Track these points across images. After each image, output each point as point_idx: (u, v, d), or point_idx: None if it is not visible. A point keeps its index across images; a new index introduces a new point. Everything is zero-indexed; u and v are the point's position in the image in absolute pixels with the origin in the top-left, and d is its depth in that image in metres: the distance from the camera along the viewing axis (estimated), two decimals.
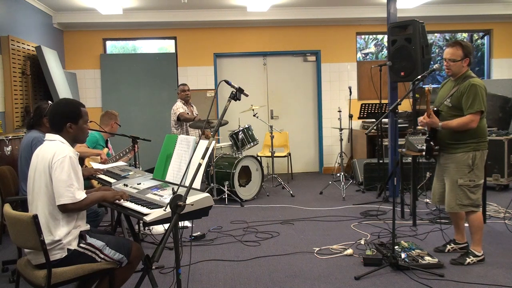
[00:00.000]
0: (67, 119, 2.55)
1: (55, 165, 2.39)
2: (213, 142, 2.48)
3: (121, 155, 4.55)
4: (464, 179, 3.47)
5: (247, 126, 6.41)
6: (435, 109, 3.58)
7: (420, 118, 3.65)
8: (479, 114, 3.38)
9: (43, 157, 2.45)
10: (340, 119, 6.51)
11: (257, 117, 6.49)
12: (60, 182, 2.38)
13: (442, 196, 3.68)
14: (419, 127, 4.93)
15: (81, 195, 2.43)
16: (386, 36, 5.99)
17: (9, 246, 4.20)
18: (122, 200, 2.62)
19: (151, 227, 4.52)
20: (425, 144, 3.67)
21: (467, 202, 3.49)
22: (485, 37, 8.57)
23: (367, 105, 7.21)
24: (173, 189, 2.25)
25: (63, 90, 6.26)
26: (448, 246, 3.80)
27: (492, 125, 6.54)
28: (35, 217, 2.24)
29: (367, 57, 9.73)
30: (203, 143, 2.67)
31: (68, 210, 2.40)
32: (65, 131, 2.56)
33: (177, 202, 2.11)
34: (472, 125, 3.39)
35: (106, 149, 4.59)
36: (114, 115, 4.79)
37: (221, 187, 5.94)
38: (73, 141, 2.63)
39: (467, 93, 3.39)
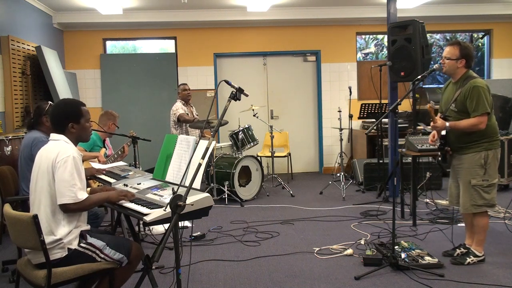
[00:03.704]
0: (68, 119, 2.56)
1: (58, 165, 2.40)
2: (213, 142, 2.48)
3: (115, 156, 4.55)
4: (477, 179, 3.45)
5: (247, 126, 6.41)
6: (442, 116, 3.58)
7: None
8: (485, 115, 3.37)
9: (46, 157, 2.46)
10: (340, 119, 6.51)
11: (257, 117, 6.49)
12: (62, 181, 2.38)
13: (459, 197, 3.63)
14: (419, 127, 4.94)
15: (83, 195, 2.43)
16: (386, 36, 5.99)
17: (9, 246, 4.20)
18: (127, 200, 2.60)
19: (151, 227, 4.52)
20: (440, 153, 3.64)
21: (481, 202, 3.46)
22: (485, 37, 8.56)
23: (367, 105, 7.21)
24: (173, 189, 2.25)
25: (63, 90, 6.25)
26: (457, 250, 3.72)
27: None
28: (35, 217, 2.24)
29: (367, 57, 9.72)
30: (203, 143, 2.67)
31: (69, 210, 2.41)
32: (68, 132, 2.58)
33: (177, 202, 2.11)
34: (481, 126, 3.38)
35: (103, 150, 4.58)
36: (113, 116, 4.77)
37: (221, 187, 5.94)
38: (76, 141, 2.64)
39: (470, 96, 3.38)
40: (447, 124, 3.46)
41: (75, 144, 2.62)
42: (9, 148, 4.61)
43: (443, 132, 3.56)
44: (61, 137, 2.55)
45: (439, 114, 3.61)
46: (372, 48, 10.55)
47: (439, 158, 3.69)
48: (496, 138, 3.50)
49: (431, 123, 3.52)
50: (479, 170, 3.45)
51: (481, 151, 3.45)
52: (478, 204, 3.47)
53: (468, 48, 3.50)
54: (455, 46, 3.50)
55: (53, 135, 2.58)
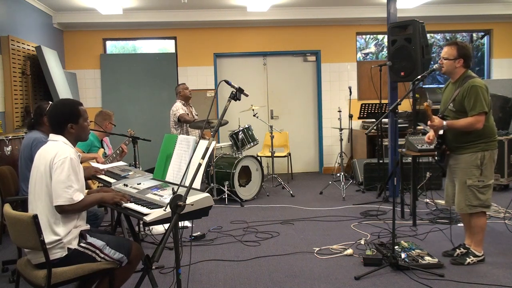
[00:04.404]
0: (67, 120, 2.56)
1: (55, 166, 2.40)
2: (213, 142, 2.48)
3: (114, 156, 4.54)
4: (472, 179, 3.45)
5: (247, 126, 6.41)
6: (440, 115, 3.58)
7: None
8: (482, 115, 3.38)
9: (44, 157, 2.47)
10: (340, 119, 6.51)
11: (257, 117, 6.49)
12: (58, 183, 2.38)
13: (455, 197, 3.64)
14: (419, 127, 4.95)
15: (78, 196, 2.43)
16: (386, 36, 5.99)
17: (9, 246, 4.20)
18: (122, 202, 2.60)
19: (151, 227, 4.52)
20: (436, 152, 3.65)
21: (476, 203, 3.46)
22: (485, 37, 8.56)
23: (367, 105, 7.21)
24: (173, 189, 2.25)
25: (63, 90, 6.25)
26: (457, 250, 3.71)
27: None
28: (35, 217, 2.24)
29: (367, 57, 9.72)
30: (203, 143, 2.67)
31: (64, 211, 2.41)
32: (67, 132, 2.58)
33: (177, 202, 2.11)
34: (478, 125, 3.38)
35: (101, 150, 4.58)
36: (108, 115, 4.76)
37: (221, 187, 5.94)
38: (76, 141, 2.65)
39: (468, 95, 3.39)
40: (445, 123, 3.46)
41: (74, 144, 2.63)
42: (9, 148, 4.61)
43: (441, 132, 3.56)
44: (60, 137, 2.56)
45: (438, 114, 3.62)
46: (372, 48, 10.54)
47: (436, 158, 3.69)
48: (494, 139, 3.50)
49: (428, 122, 3.53)
50: (475, 171, 3.45)
51: (477, 151, 3.45)
52: (473, 205, 3.47)
53: (465, 47, 3.50)
54: (452, 46, 3.51)
55: (51, 136, 2.59)
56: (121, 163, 4.10)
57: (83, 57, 7.66)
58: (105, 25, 7.52)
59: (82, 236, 2.51)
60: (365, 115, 7.28)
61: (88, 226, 2.61)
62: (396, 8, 5.78)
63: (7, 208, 2.47)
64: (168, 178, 3.01)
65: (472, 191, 3.46)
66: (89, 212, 3.18)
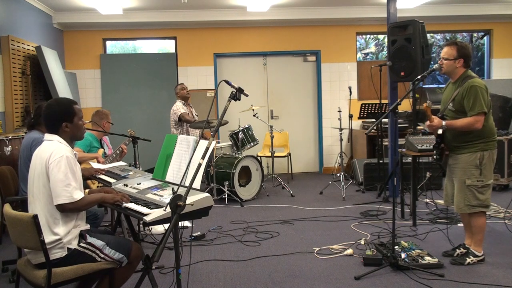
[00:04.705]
0: (61, 119, 2.56)
1: (52, 165, 2.40)
2: (213, 142, 2.48)
3: (114, 156, 4.54)
4: (472, 179, 3.45)
5: (247, 126, 6.41)
6: (439, 115, 3.58)
7: (426, 123, 3.69)
8: (482, 115, 3.37)
9: (40, 158, 2.47)
10: (340, 119, 6.51)
11: (257, 117, 6.49)
12: (57, 182, 2.38)
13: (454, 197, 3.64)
14: (419, 127, 4.95)
15: (78, 194, 2.43)
16: (386, 36, 5.99)
17: (9, 246, 4.20)
18: (122, 203, 2.60)
19: (151, 227, 4.52)
20: (435, 151, 3.64)
21: (475, 203, 3.46)
22: (485, 37, 8.57)
23: (367, 105, 7.21)
24: (173, 189, 2.25)
25: (63, 90, 6.25)
26: (457, 250, 3.71)
27: None
28: (35, 217, 2.24)
29: (367, 57, 9.73)
30: (203, 143, 2.67)
31: (66, 210, 2.41)
32: (62, 131, 2.57)
33: (177, 202, 2.11)
34: (477, 126, 3.38)
35: (101, 150, 4.58)
36: (105, 114, 4.75)
37: (221, 187, 5.94)
38: (71, 140, 2.64)
39: (467, 95, 3.39)
40: (444, 123, 3.46)
41: (70, 143, 2.62)
42: (9, 148, 4.61)
43: (440, 131, 3.56)
44: (55, 137, 2.55)
45: (438, 114, 3.62)
46: (372, 48, 10.55)
47: (435, 157, 3.68)
48: (493, 139, 3.50)
49: (427, 122, 3.53)
50: (474, 171, 3.45)
51: (476, 151, 3.45)
52: (472, 205, 3.47)
53: (465, 47, 3.50)
54: (452, 46, 3.51)
55: (47, 135, 2.58)
56: (121, 163, 4.09)
57: (83, 57, 7.66)
58: (105, 25, 7.52)
59: (82, 236, 2.51)
60: (365, 115, 7.28)
61: (88, 226, 2.61)
62: (396, 8, 5.79)
63: (7, 208, 2.47)
64: (168, 178, 3.01)
65: (471, 191, 3.46)
66: (89, 212, 3.18)
